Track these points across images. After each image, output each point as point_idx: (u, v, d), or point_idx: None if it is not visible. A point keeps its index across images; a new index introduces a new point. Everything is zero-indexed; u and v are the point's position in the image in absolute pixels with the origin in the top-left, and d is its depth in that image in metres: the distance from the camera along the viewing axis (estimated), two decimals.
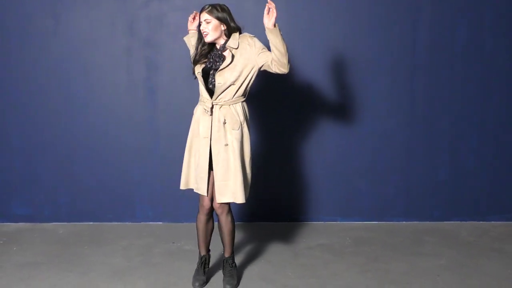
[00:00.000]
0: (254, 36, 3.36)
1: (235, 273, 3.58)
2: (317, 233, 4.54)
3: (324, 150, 4.74)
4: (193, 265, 3.79)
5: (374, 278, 3.67)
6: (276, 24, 3.15)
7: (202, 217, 3.48)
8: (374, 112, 4.71)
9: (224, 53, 3.34)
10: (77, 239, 4.36)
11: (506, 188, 4.85)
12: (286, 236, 4.45)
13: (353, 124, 4.71)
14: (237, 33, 3.36)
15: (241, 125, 3.35)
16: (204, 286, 3.55)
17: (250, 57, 3.31)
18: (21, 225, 4.69)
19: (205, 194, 3.39)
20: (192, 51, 3.55)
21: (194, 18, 3.72)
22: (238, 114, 3.35)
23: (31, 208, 4.73)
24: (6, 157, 4.67)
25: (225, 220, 3.45)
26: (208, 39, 3.31)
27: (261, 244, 4.28)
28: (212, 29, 3.29)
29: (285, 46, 3.20)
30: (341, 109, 4.69)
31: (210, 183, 3.38)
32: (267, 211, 4.79)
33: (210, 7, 3.31)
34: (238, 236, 4.36)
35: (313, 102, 4.67)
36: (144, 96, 4.62)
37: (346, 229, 4.66)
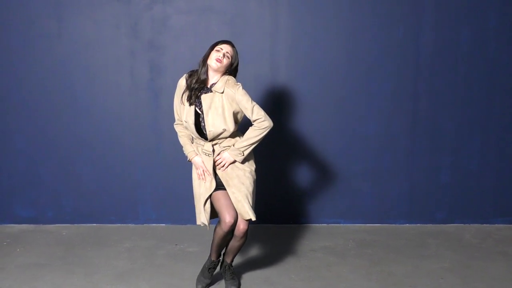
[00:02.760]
0: (240, 85, 3.37)
1: (235, 275, 3.61)
2: (320, 236, 4.55)
3: (327, 152, 4.75)
4: (197, 267, 3.81)
5: (378, 280, 3.68)
6: (239, 156, 3.37)
7: (221, 232, 3.38)
8: (377, 114, 4.72)
9: (207, 95, 3.36)
10: (80, 240, 4.39)
11: (510, 190, 4.86)
12: (288, 239, 4.47)
13: (356, 126, 4.73)
14: (227, 76, 3.38)
15: (243, 153, 3.40)
16: None
17: (232, 104, 3.35)
18: (24, 226, 4.72)
19: (206, 224, 3.41)
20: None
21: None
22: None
23: (34, 210, 4.76)
24: (10, 158, 4.70)
25: (244, 237, 3.43)
26: (216, 67, 3.32)
27: (263, 246, 4.30)
28: (226, 63, 3.34)
29: (257, 139, 3.40)
30: (344, 111, 4.71)
31: (229, 203, 3.37)
32: (270, 214, 4.81)
33: (234, 47, 3.39)
34: None
35: (316, 104, 4.69)
36: (148, 98, 4.65)
37: (349, 231, 4.67)
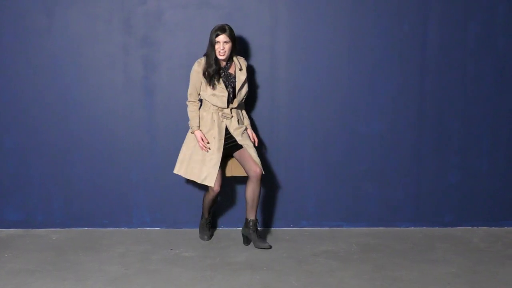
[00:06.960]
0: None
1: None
2: (322, 239, 4.55)
3: (329, 152, 4.77)
4: (193, 272, 3.83)
5: (382, 286, 3.68)
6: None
7: (211, 197, 4.33)
8: (381, 113, 4.74)
9: (233, 72, 4.23)
10: (71, 245, 4.39)
11: None
12: (289, 243, 4.47)
13: (360, 126, 4.74)
14: (238, 57, 4.27)
15: (247, 127, 4.37)
16: (210, 239, 4.49)
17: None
18: (13, 231, 4.72)
19: (212, 185, 4.18)
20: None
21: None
22: (244, 117, 4.40)
23: (23, 213, 4.76)
24: None
25: (259, 185, 4.23)
26: (223, 57, 4.12)
27: (263, 250, 4.29)
28: (228, 49, 4.11)
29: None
30: (347, 110, 4.72)
31: (220, 171, 4.24)
32: (270, 217, 4.82)
33: (228, 29, 4.10)
34: (239, 243, 4.41)
35: (317, 102, 4.70)
36: (142, 96, 4.66)
37: (352, 235, 4.68)
